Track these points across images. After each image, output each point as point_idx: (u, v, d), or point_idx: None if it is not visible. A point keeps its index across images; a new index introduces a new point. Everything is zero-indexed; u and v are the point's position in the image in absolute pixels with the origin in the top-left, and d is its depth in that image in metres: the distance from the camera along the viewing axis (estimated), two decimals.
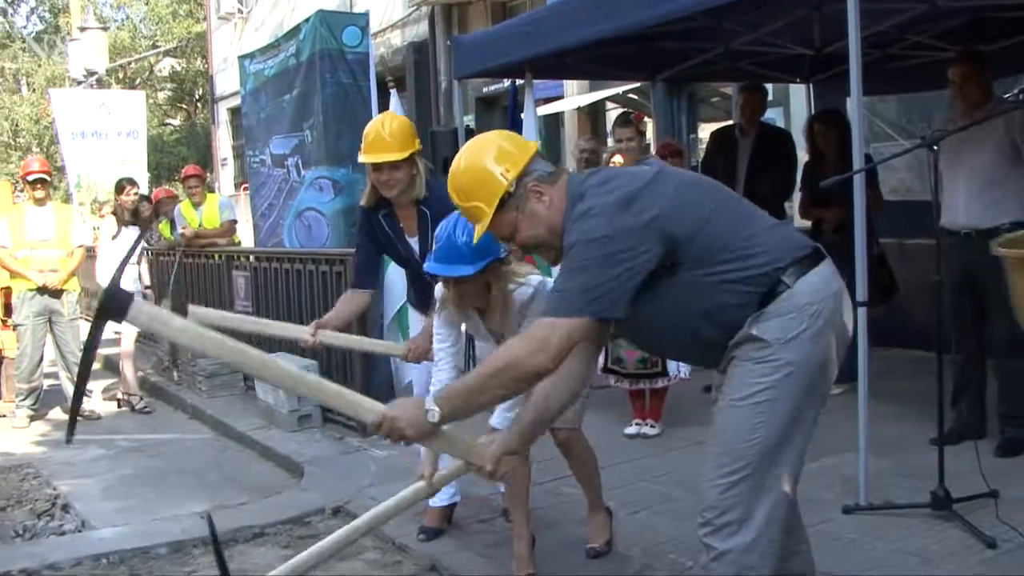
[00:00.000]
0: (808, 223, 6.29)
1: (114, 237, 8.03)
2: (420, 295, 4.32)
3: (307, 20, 7.60)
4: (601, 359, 5.28)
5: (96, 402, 8.07)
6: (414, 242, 4.20)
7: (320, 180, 7.53)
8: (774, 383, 2.48)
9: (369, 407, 2.65)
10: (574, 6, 5.72)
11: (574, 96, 11.85)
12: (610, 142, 8.09)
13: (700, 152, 9.75)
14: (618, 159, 7.01)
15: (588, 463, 4.01)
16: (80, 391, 3.01)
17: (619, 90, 11.05)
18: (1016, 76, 6.76)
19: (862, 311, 3.82)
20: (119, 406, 8.05)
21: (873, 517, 4.03)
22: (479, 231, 2.69)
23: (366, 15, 7.99)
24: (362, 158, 4.10)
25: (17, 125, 27.78)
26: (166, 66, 30.20)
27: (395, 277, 5.89)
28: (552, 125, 12.45)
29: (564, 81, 11.51)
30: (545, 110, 11.14)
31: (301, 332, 4.14)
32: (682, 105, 10.19)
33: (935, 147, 4.00)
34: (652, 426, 5.63)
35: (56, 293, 7.60)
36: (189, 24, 27.98)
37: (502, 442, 2.70)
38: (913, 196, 7.09)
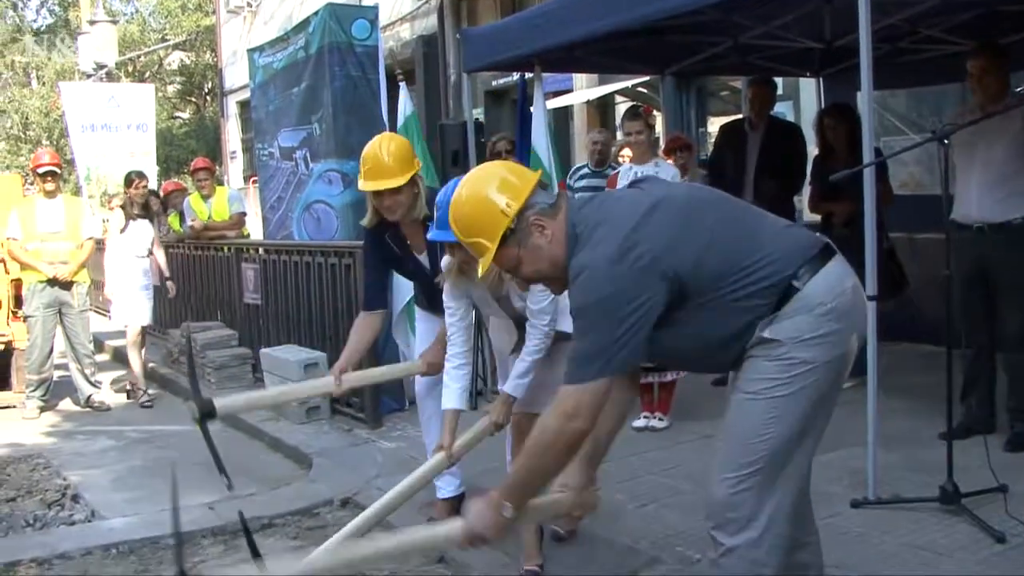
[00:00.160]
0: (818, 217, 6.28)
1: (122, 231, 8.04)
2: (432, 301, 4.33)
3: (316, 13, 7.60)
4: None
5: (106, 393, 8.10)
6: (423, 258, 4.20)
7: (329, 173, 7.54)
8: (788, 379, 2.47)
9: (447, 536, 2.72)
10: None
11: (583, 89, 11.82)
12: (619, 135, 8.08)
13: (709, 146, 9.72)
14: (627, 152, 7.03)
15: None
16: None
17: (628, 84, 11.02)
18: None
19: (872, 305, 3.80)
20: (128, 397, 8.08)
21: (882, 511, 4.03)
22: (483, 266, 2.66)
23: (375, 8, 7.98)
24: (363, 185, 4.03)
25: (27, 118, 27.85)
26: (175, 59, 30.23)
27: None
28: (561, 118, 12.42)
29: (573, 74, 11.49)
30: (554, 103, 11.12)
31: (327, 386, 4.14)
32: (691, 99, 10.18)
33: (946, 141, 3.98)
34: (660, 419, 5.63)
35: (66, 285, 7.64)
36: (198, 17, 28.00)
37: (572, 485, 2.77)
38: (923, 190, 7.07)
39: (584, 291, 2.45)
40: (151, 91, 16.95)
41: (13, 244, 7.57)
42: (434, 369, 4.09)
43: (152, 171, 14.52)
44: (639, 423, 5.61)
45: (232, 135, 22.72)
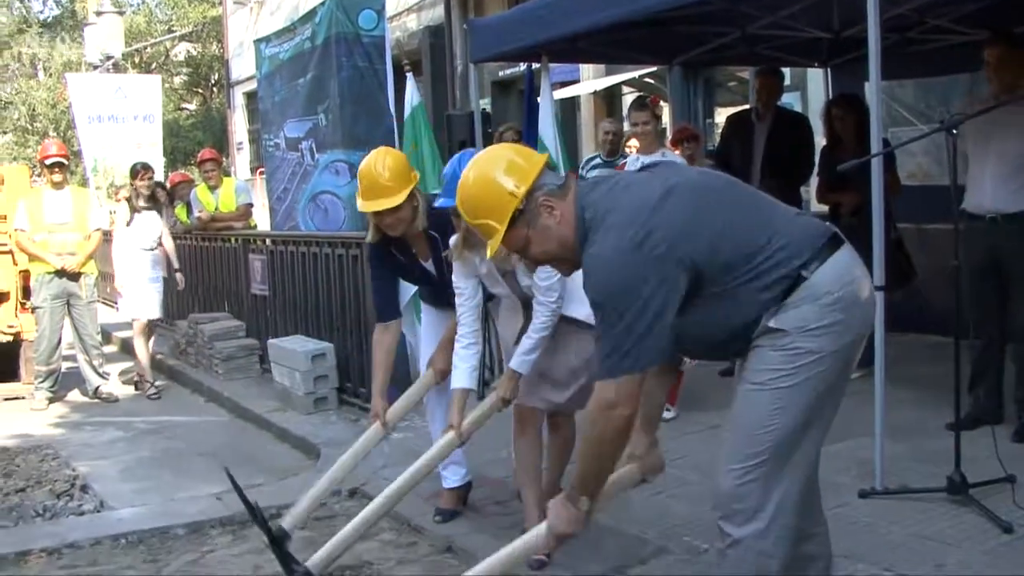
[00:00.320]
0: (825, 207, 6.26)
1: (128, 224, 8.04)
2: (437, 299, 4.35)
3: (323, 3, 7.59)
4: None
5: (114, 384, 8.13)
6: (429, 265, 4.20)
7: (336, 163, 7.54)
8: (794, 370, 2.47)
9: (535, 542, 2.79)
10: None
11: (590, 80, 11.81)
12: (626, 126, 8.07)
13: (716, 137, 9.70)
14: (633, 143, 7.02)
15: (569, 446, 4.04)
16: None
17: (635, 74, 11.01)
18: None
19: (879, 296, 3.80)
20: (136, 388, 8.11)
21: (889, 501, 4.03)
22: (492, 247, 2.65)
23: None
24: (361, 206, 3.98)
25: (34, 110, 27.90)
26: (182, 51, 30.25)
27: None
28: (568, 109, 12.41)
29: (580, 65, 11.47)
30: (561, 94, 11.11)
31: (376, 437, 4.12)
32: (698, 89, 10.14)
33: (954, 131, 3.97)
34: (668, 409, 5.61)
35: (74, 276, 7.66)
36: (205, 8, 28.02)
37: (638, 453, 2.87)
38: (932, 181, 7.04)
39: (602, 282, 2.45)
40: (158, 82, 16.98)
41: (21, 235, 7.59)
42: (444, 376, 4.10)
43: (159, 162, 14.54)
44: None
45: (239, 126, 22.74)
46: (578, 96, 12.30)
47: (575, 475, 2.69)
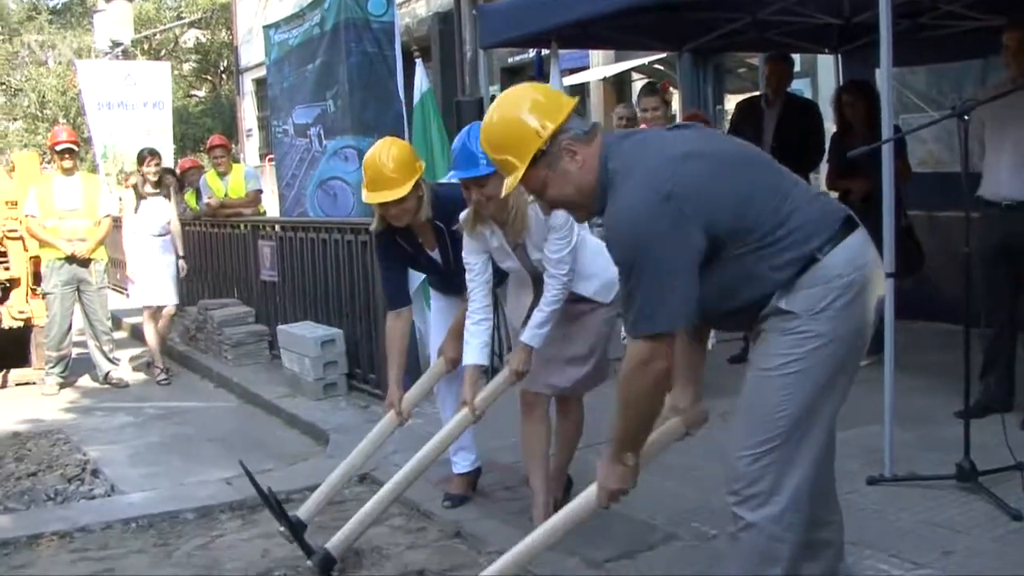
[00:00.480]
0: (835, 194, 6.23)
1: (135, 211, 8.03)
2: (446, 286, 4.35)
3: None
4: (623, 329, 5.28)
5: (124, 370, 8.16)
6: (435, 254, 4.19)
7: (346, 149, 7.54)
8: (803, 354, 2.47)
9: (586, 505, 2.86)
10: None
11: (600, 66, 11.78)
12: (636, 112, 8.04)
13: (726, 123, 9.67)
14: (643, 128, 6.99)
15: (579, 430, 4.08)
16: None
17: (645, 60, 10.98)
18: None
19: (889, 283, 3.78)
20: (146, 374, 8.14)
21: (898, 488, 4.03)
22: (509, 184, 2.64)
23: None
24: (366, 197, 3.98)
25: (44, 96, 27.92)
26: (191, 37, 30.24)
27: None
28: (578, 95, 12.36)
29: (590, 51, 11.44)
30: (571, 80, 11.08)
31: (391, 427, 4.14)
32: (708, 76, 10.10)
33: (965, 117, 3.95)
34: None
35: (84, 262, 7.67)
36: None
37: (682, 406, 2.93)
38: (943, 168, 7.01)
39: (628, 233, 2.44)
40: (167, 69, 16.95)
41: (31, 221, 7.61)
42: (455, 365, 4.11)
43: (168, 149, 14.54)
44: None
45: (248, 113, 22.75)
46: (588, 82, 12.28)
47: (616, 434, 2.69)
